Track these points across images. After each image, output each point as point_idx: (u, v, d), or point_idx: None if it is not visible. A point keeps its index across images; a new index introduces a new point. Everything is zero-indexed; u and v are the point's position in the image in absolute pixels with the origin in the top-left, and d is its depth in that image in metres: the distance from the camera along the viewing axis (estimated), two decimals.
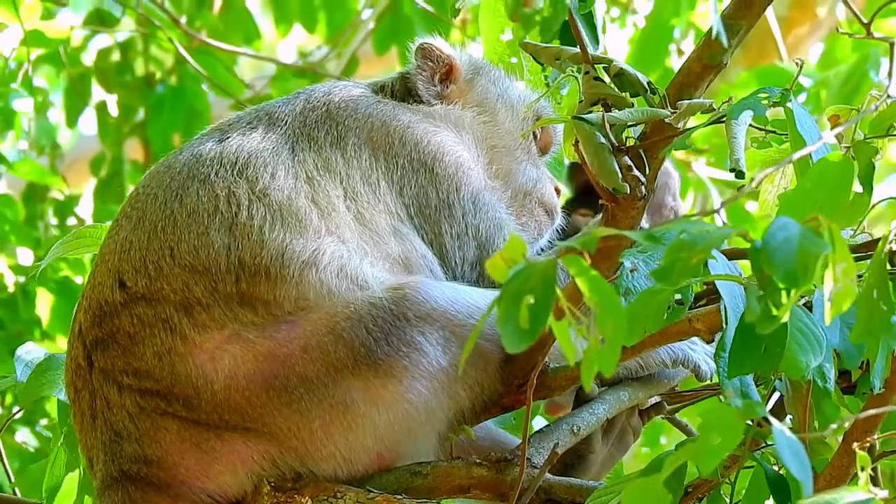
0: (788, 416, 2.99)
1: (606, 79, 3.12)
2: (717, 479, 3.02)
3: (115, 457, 3.21)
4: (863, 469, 2.44)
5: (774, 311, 2.39)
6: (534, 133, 3.81)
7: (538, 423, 3.74)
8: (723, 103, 3.05)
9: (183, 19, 7.16)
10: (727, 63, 3.07)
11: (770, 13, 6.89)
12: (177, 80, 7.19)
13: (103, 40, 7.29)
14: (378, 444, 3.19)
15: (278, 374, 3.15)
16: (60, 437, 3.81)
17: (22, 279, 6.22)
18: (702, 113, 3.08)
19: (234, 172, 3.34)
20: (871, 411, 2.79)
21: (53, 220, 6.94)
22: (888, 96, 3.05)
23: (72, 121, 7.22)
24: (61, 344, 6.00)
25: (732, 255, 3.22)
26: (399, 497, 3.16)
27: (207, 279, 3.21)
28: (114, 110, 7.25)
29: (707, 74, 3.08)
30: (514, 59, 3.55)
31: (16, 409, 4.57)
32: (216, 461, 3.17)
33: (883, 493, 2.34)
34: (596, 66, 3.12)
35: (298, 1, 7.34)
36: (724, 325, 2.75)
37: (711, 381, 3.45)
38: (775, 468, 2.95)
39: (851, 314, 2.72)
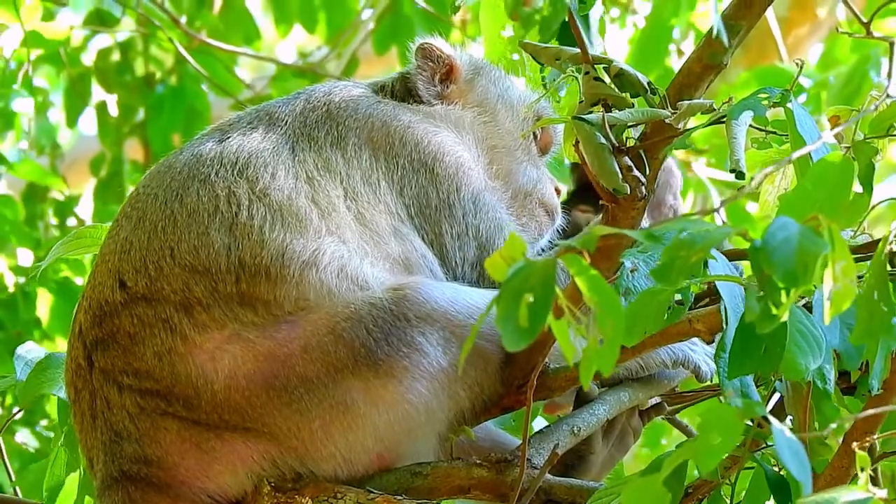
0: (789, 417, 2.98)
1: (606, 79, 3.12)
2: (718, 480, 3.01)
3: (115, 457, 3.21)
4: (862, 469, 2.44)
5: (774, 311, 2.39)
6: (534, 133, 3.81)
7: (538, 423, 3.74)
8: (723, 104, 3.05)
9: (183, 19, 7.16)
10: (727, 63, 3.07)
11: (770, 14, 6.89)
12: (177, 80, 7.19)
13: (103, 40, 7.30)
14: (378, 444, 3.19)
15: (278, 375, 3.15)
16: (61, 436, 3.81)
17: (22, 280, 6.22)
18: (702, 113, 3.08)
19: (235, 172, 3.34)
20: (871, 411, 2.79)
21: (53, 221, 6.94)
22: (888, 96, 3.05)
23: (72, 121, 7.22)
24: (61, 345, 5.99)
25: (733, 255, 3.23)
26: (399, 497, 3.16)
27: (207, 279, 3.21)
28: (114, 110, 7.25)
29: (707, 75, 3.08)
30: (515, 56, 3.55)
31: (16, 409, 4.57)
32: (216, 461, 3.17)
33: (882, 493, 2.34)
34: (596, 66, 3.12)
35: (298, 1, 7.34)
36: (725, 326, 2.75)
37: (712, 381, 3.45)
38: (775, 469, 2.95)
39: (851, 315, 2.72)
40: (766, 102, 2.98)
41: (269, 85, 7.38)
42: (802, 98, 6.60)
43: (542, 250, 3.77)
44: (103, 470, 3.24)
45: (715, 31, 2.94)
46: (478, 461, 3.20)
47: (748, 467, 3.03)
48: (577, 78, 3.14)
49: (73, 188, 7.35)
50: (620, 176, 3.02)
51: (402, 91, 3.73)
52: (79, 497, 3.77)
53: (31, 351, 3.91)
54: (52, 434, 5.58)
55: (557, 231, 3.82)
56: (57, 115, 7.47)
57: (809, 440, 2.87)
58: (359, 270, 3.26)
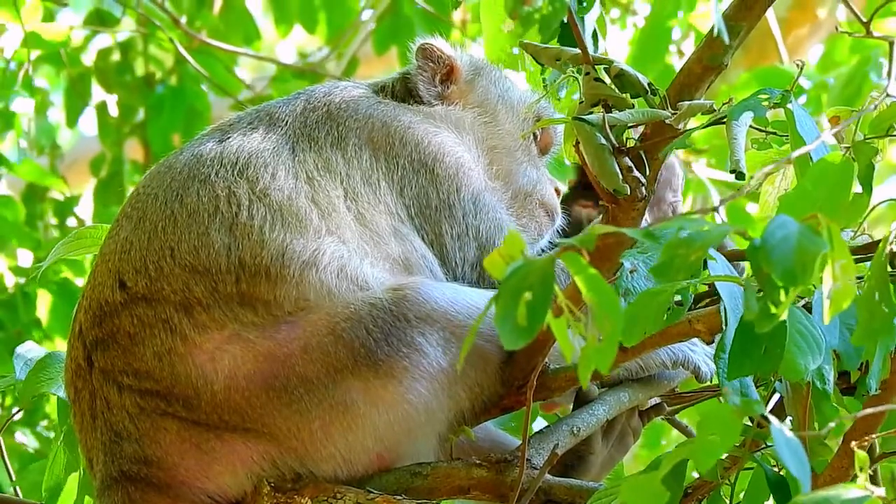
0: (788, 418, 2.99)
1: (607, 80, 3.12)
2: (717, 481, 3.02)
3: (114, 457, 3.21)
4: (861, 469, 2.44)
5: (773, 310, 2.39)
6: (534, 134, 3.81)
7: (538, 424, 3.74)
8: (723, 104, 3.05)
9: (183, 19, 7.16)
10: (728, 64, 3.07)
11: (770, 14, 6.90)
12: (177, 80, 7.19)
13: (103, 40, 7.29)
14: (378, 444, 3.19)
15: (278, 375, 3.15)
16: (60, 436, 3.81)
17: (22, 280, 6.22)
18: (702, 114, 3.08)
19: (235, 172, 3.34)
20: (870, 410, 2.79)
21: (53, 221, 6.94)
22: (887, 95, 3.05)
23: (72, 121, 7.22)
24: (60, 345, 5.99)
25: (734, 255, 3.23)
26: (399, 498, 3.16)
27: (208, 279, 3.21)
28: (114, 110, 7.25)
29: (707, 75, 3.08)
30: (515, 50, 3.54)
31: (15, 409, 4.57)
32: (216, 462, 3.17)
33: (880, 491, 2.34)
34: (596, 66, 3.12)
35: (298, 1, 7.34)
36: (724, 327, 2.75)
37: (711, 382, 3.45)
38: (775, 469, 2.95)
39: (851, 316, 2.73)
40: (766, 103, 2.98)
41: (269, 85, 7.38)
42: (802, 99, 6.60)
43: (542, 251, 3.76)
44: (103, 470, 3.24)
45: (716, 31, 2.94)
46: (477, 461, 3.20)
47: (748, 468, 3.03)
48: (577, 78, 3.15)
49: (73, 188, 7.35)
50: (621, 176, 3.02)
51: (403, 91, 3.73)
52: (79, 497, 3.77)
53: (30, 350, 3.91)
54: (52, 434, 5.58)
55: (558, 231, 3.82)
56: (57, 115, 7.47)
57: (809, 441, 2.87)
58: (359, 271, 3.26)
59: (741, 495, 3.13)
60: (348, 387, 3.14)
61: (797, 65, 3.17)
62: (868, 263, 2.71)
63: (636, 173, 3.04)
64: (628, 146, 3.07)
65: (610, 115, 3.06)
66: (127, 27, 7.16)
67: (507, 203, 3.66)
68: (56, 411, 3.91)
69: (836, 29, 3.49)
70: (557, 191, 3.85)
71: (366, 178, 3.45)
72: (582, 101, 3.11)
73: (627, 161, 3.04)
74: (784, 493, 2.88)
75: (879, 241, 2.68)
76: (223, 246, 3.24)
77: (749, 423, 2.86)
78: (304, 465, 3.17)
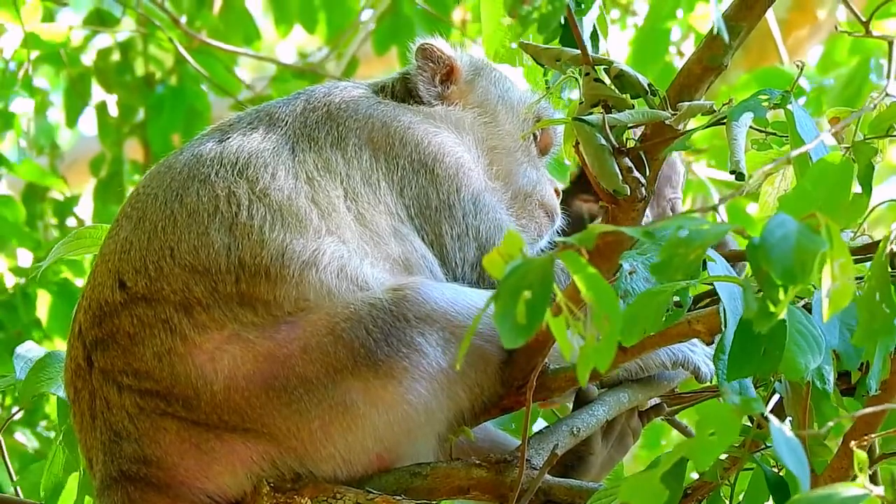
0: (788, 418, 2.99)
1: (607, 80, 3.12)
2: (717, 481, 3.02)
3: (114, 457, 3.21)
4: (861, 469, 2.44)
5: (772, 309, 2.39)
6: (534, 134, 3.81)
7: (538, 425, 3.74)
8: (723, 105, 3.05)
9: (183, 19, 7.16)
10: (727, 65, 3.08)
11: (770, 15, 6.90)
12: (177, 80, 7.19)
13: (103, 40, 7.29)
14: (377, 444, 3.19)
15: (278, 375, 3.15)
16: (60, 436, 3.81)
17: (22, 281, 6.22)
18: (702, 115, 3.08)
19: (235, 172, 3.34)
20: (870, 409, 2.79)
21: (53, 221, 6.94)
22: (886, 94, 3.05)
23: (72, 121, 7.22)
24: (60, 346, 5.99)
25: (735, 256, 3.23)
26: (398, 498, 3.16)
27: (207, 279, 3.21)
28: (114, 110, 7.25)
29: (707, 76, 3.08)
30: (514, 45, 3.54)
31: (15, 409, 4.57)
32: (216, 462, 3.17)
33: (878, 490, 2.34)
34: (596, 67, 3.12)
35: (298, 1, 7.35)
36: (723, 328, 2.75)
37: (711, 382, 3.45)
38: (775, 470, 2.95)
39: (851, 316, 2.73)
40: (766, 104, 2.98)
41: (269, 85, 7.39)
42: (802, 100, 6.60)
43: (542, 251, 3.76)
44: (103, 470, 3.24)
45: (715, 30, 2.94)
46: (477, 462, 3.20)
47: (747, 468, 3.03)
48: (577, 79, 3.15)
49: (73, 188, 7.35)
50: (620, 177, 3.03)
51: (403, 92, 3.72)
52: (79, 497, 3.78)
53: (30, 350, 3.91)
54: (52, 434, 5.59)
55: (558, 232, 3.82)
56: (57, 115, 7.47)
57: (809, 441, 2.87)
58: (359, 271, 3.26)
59: (741, 496, 3.13)
60: (348, 387, 3.14)
61: (797, 66, 3.17)
62: (868, 264, 2.71)
63: (636, 174, 3.04)
64: (628, 147, 3.07)
65: (610, 115, 3.06)
66: (127, 27, 7.16)
67: (507, 203, 3.66)
68: (56, 411, 3.91)
69: (836, 28, 3.49)
70: (557, 191, 3.85)
71: (366, 178, 3.45)
72: (582, 102, 3.11)
73: (627, 162, 3.04)
74: (783, 493, 2.88)
75: (879, 241, 2.68)
76: (223, 246, 3.24)
77: (749, 424, 2.86)
78: (304, 465, 3.17)
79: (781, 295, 2.38)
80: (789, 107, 2.99)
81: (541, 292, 2.33)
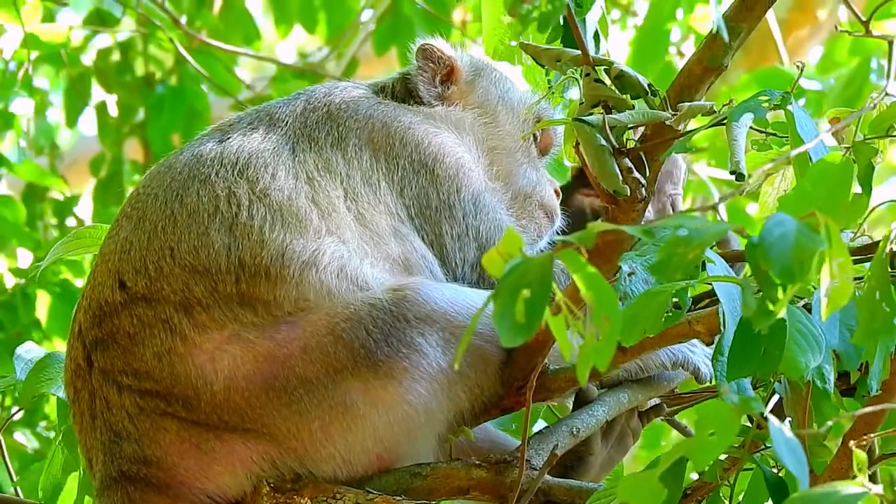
0: (788, 419, 2.99)
1: (607, 81, 3.12)
2: (717, 482, 3.02)
3: (114, 457, 3.21)
4: (860, 469, 2.44)
5: (771, 307, 2.39)
6: (534, 135, 3.81)
7: (538, 425, 3.74)
8: (723, 106, 3.05)
9: (183, 19, 7.16)
10: (728, 65, 3.08)
11: (770, 16, 6.90)
12: (177, 80, 7.19)
13: (103, 40, 7.29)
14: (377, 445, 3.19)
15: (278, 375, 3.15)
16: (59, 436, 3.81)
17: (22, 281, 6.22)
18: (702, 115, 3.08)
19: (235, 173, 3.34)
20: (870, 408, 2.79)
21: (53, 221, 6.94)
22: (886, 94, 3.05)
23: (71, 121, 7.22)
24: (60, 346, 5.99)
25: (735, 256, 3.23)
26: (398, 498, 3.16)
27: (207, 279, 3.21)
28: (114, 110, 7.25)
29: (708, 77, 3.08)
30: (513, 43, 3.54)
31: (14, 409, 4.57)
32: (215, 462, 3.17)
33: (877, 489, 2.34)
34: (596, 68, 3.12)
35: (298, 1, 7.35)
36: (722, 329, 2.75)
37: (711, 383, 3.44)
38: (774, 470, 2.95)
39: (851, 316, 2.73)
40: (766, 105, 2.98)
41: (269, 85, 7.39)
42: (803, 101, 6.60)
43: (542, 252, 3.76)
44: (102, 470, 3.24)
45: (715, 30, 2.94)
46: (477, 462, 3.20)
47: (747, 469, 3.03)
48: (577, 80, 3.15)
49: (72, 188, 7.34)
50: (621, 178, 3.03)
51: (403, 92, 3.72)
52: (78, 497, 3.78)
53: (30, 351, 3.91)
54: (51, 434, 5.59)
55: (557, 232, 3.82)
56: (56, 115, 7.47)
57: (808, 442, 2.87)
58: (359, 271, 3.26)
59: (740, 496, 3.13)
60: (348, 387, 3.14)
61: (797, 66, 3.17)
62: (868, 265, 2.71)
63: (636, 174, 3.04)
64: (628, 147, 3.07)
65: (610, 116, 3.06)
66: (127, 27, 7.16)
67: (507, 204, 3.66)
68: (56, 412, 3.91)
69: (836, 27, 3.49)
70: (557, 192, 3.85)
71: (366, 178, 3.45)
72: (582, 103, 3.11)
73: (627, 162, 3.04)
74: (783, 494, 2.88)
75: (879, 241, 2.68)
76: (223, 246, 3.24)
77: (748, 425, 2.86)
78: (304, 465, 3.17)
79: (780, 294, 2.38)
80: (789, 107, 2.99)
81: (540, 291, 2.33)
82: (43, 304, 6.18)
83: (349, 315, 3.17)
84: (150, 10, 7.11)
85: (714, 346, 2.83)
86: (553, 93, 3.44)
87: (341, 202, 3.37)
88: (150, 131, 7.14)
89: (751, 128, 3.02)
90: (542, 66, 3.28)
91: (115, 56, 7.21)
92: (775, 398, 3.07)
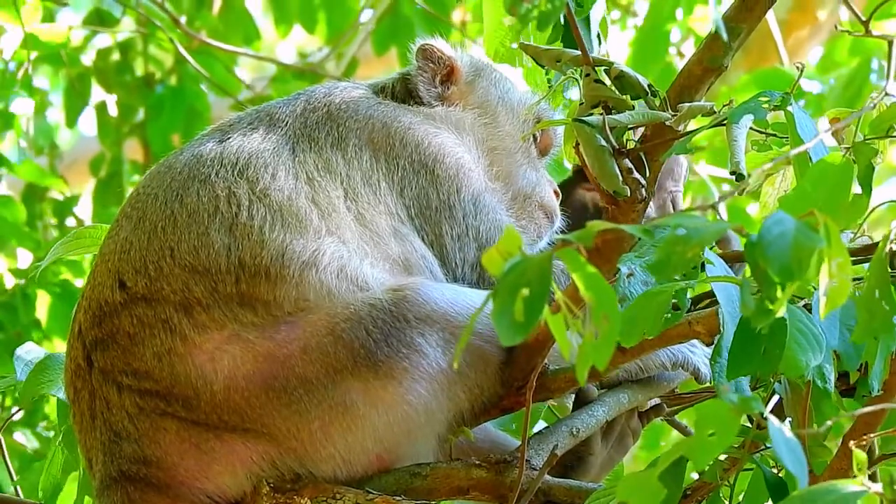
0: (788, 419, 2.99)
1: (607, 81, 3.12)
2: (717, 482, 3.02)
3: (114, 457, 3.21)
4: (860, 469, 2.44)
5: (769, 306, 2.39)
6: (534, 135, 3.81)
7: (538, 425, 3.74)
8: (723, 106, 3.05)
9: (183, 19, 7.16)
10: (728, 66, 3.08)
11: (770, 16, 6.90)
12: (177, 80, 7.19)
13: (103, 40, 7.29)
14: (377, 445, 3.19)
15: (278, 375, 3.15)
16: (59, 436, 3.81)
17: (22, 281, 6.22)
18: (702, 116, 3.08)
19: (235, 173, 3.34)
20: (870, 408, 2.79)
21: (52, 221, 6.94)
22: (886, 94, 3.05)
23: (71, 121, 7.21)
24: (59, 346, 5.99)
25: (734, 256, 3.23)
26: (398, 498, 3.16)
27: (207, 279, 3.21)
28: (113, 110, 7.25)
29: (708, 77, 3.08)
30: (514, 45, 3.54)
31: (14, 409, 4.57)
32: (215, 462, 3.17)
33: (876, 487, 2.34)
34: (596, 68, 3.12)
35: (298, 1, 7.35)
36: (722, 330, 2.75)
37: (711, 383, 3.44)
38: (774, 470, 2.95)
39: (851, 316, 2.73)
40: (766, 105, 2.98)
41: (269, 85, 7.39)
42: (803, 102, 6.60)
43: (541, 252, 3.76)
44: (102, 470, 3.24)
45: (715, 31, 2.94)
46: (477, 462, 3.20)
47: (747, 469, 3.03)
48: (577, 80, 3.15)
49: (72, 188, 7.34)
50: (621, 178, 3.03)
51: (403, 92, 3.72)
52: (78, 497, 3.78)
53: (30, 352, 3.92)
54: (51, 434, 5.58)
55: (557, 232, 3.82)
56: (56, 115, 7.47)
57: (808, 442, 2.87)
58: (359, 271, 3.26)
59: (740, 496, 3.13)
60: (348, 387, 3.14)
61: (797, 67, 3.17)
62: (867, 265, 2.71)
63: (636, 175, 3.04)
64: (628, 148, 3.07)
65: (610, 116, 3.06)
66: (127, 27, 7.16)
67: (507, 205, 3.66)
68: (56, 412, 3.91)
69: (836, 27, 3.49)
70: (557, 193, 3.85)
71: (366, 178, 3.45)
72: (582, 103, 3.11)
73: (627, 163, 3.04)
74: (783, 494, 2.88)
75: (878, 241, 2.68)
76: (223, 246, 3.24)
77: (748, 425, 2.86)
78: (304, 465, 3.17)
79: (779, 292, 2.38)
80: (789, 108, 2.99)
81: (539, 289, 2.33)
82: (43, 304, 6.18)
83: (349, 315, 3.17)
84: (149, 10, 7.11)
85: (714, 346, 2.83)
86: (553, 93, 3.43)
87: (341, 202, 3.37)
88: (150, 131, 7.14)
89: (751, 128, 3.02)
90: (543, 67, 3.28)
91: (115, 56, 7.21)
92: (775, 398, 3.07)
